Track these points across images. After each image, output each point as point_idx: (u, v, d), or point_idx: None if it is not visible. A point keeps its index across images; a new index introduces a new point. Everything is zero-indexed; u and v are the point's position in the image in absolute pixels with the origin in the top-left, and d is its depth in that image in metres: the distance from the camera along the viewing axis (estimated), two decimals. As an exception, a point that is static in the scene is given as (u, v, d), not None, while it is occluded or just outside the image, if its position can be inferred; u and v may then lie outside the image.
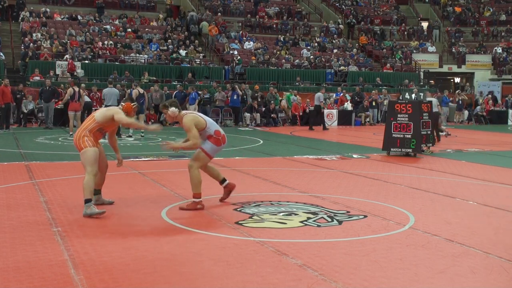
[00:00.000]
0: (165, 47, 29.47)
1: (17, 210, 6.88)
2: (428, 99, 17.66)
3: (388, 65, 33.05)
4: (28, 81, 24.14)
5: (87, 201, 6.57)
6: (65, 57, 25.87)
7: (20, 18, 29.79)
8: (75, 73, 25.22)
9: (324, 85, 27.44)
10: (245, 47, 31.95)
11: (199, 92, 23.86)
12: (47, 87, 20.77)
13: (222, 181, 7.57)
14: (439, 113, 17.83)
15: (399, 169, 11.18)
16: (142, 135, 17.65)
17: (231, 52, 30.71)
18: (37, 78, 22.95)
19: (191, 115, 7.22)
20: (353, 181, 9.55)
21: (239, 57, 29.72)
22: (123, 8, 33.88)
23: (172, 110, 7.05)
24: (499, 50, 37.03)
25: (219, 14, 34.49)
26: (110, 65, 26.50)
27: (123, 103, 7.19)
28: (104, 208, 6.83)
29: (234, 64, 29.18)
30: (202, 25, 32.67)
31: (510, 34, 38.86)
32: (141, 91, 17.75)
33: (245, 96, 24.59)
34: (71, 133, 17.48)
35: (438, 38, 39.59)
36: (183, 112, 7.23)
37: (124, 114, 7.00)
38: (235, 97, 24.12)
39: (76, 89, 17.66)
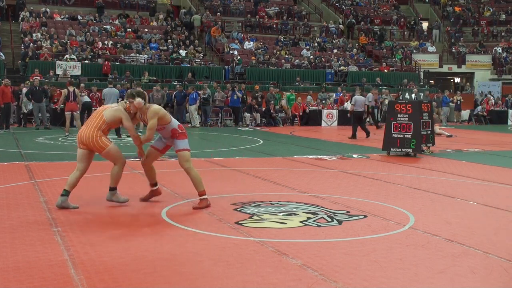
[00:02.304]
0: (165, 47, 29.47)
1: (17, 210, 6.88)
2: (356, 97, 18.29)
3: (384, 64, 32.98)
4: (28, 81, 24.12)
5: (113, 189, 7.23)
6: (71, 58, 25.87)
7: (20, 18, 29.78)
8: (109, 76, 25.30)
9: (374, 87, 27.68)
10: (245, 47, 31.95)
11: (199, 92, 23.87)
12: (37, 87, 20.73)
13: (154, 184, 7.63)
14: (362, 112, 18.52)
15: (399, 169, 11.18)
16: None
17: (231, 52, 30.71)
18: (37, 78, 22.94)
19: (157, 107, 7.35)
20: (353, 181, 9.55)
21: (239, 57, 29.73)
22: (123, 8, 33.89)
23: (138, 100, 7.14)
24: (499, 50, 37.03)
25: (219, 14, 34.49)
26: (110, 65, 26.47)
27: (127, 102, 7.26)
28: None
29: (234, 64, 29.18)
30: (194, 18, 32.78)
31: (510, 34, 38.85)
32: None
33: (244, 96, 24.61)
34: (66, 133, 17.48)
35: (438, 38, 39.59)
36: (149, 104, 7.32)
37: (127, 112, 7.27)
38: (235, 97, 24.12)
39: (71, 89, 17.67)
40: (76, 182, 7.09)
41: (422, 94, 14.83)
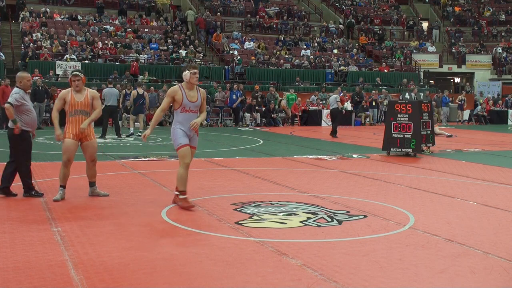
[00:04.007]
0: (165, 47, 29.48)
1: (17, 210, 6.88)
2: (332, 95, 18.92)
3: (384, 64, 32.98)
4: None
5: (61, 186, 7.59)
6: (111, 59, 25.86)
7: (20, 18, 29.79)
8: (139, 77, 25.34)
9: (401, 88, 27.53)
10: (245, 47, 31.95)
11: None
12: (39, 87, 20.74)
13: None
14: (338, 110, 19.08)
15: (399, 169, 11.18)
16: (139, 134, 17.69)
17: (231, 52, 30.72)
18: (37, 78, 22.96)
19: None
20: (353, 181, 9.55)
21: (239, 57, 29.73)
22: (122, 7, 33.86)
23: None
24: (499, 50, 37.03)
25: (219, 14, 34.49)
26: (110, 65, 26.50)
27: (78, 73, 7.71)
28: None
29: (234, 64, 29.19)
30: (187, 13, 32.89)
31: (510, 34, 38.84)
32: (141, 91, 17.85)
33: (243, 97, 24.63)
34: None
35: (438, 38, 39.58)
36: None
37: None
38: (234, 97, 24.13)
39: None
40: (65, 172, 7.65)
41: (422, 94, 14.83)
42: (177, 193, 7.15)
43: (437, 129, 18.72)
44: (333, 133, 18.71)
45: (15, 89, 7.72)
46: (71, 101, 7.53)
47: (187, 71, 7.13)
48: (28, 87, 7.83)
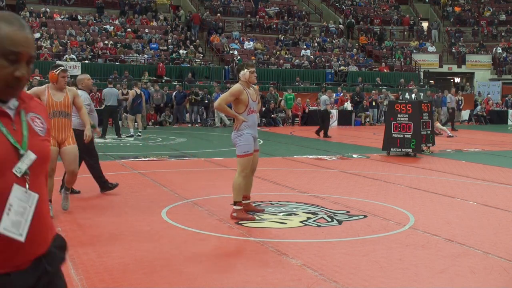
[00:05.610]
0: (165, 47, 29.48)
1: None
2: (323, 97, 19.12)
3: (383, 64, 32.97)
4: (28, 81, 24.11)
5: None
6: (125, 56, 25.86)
7: (20, 18, 29.78)
8: (164, 78, 25.37)
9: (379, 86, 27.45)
10: (245, 47, 31.95)
11: (200, 92, 23.84)
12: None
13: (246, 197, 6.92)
14: (327, 111, 19.28)
15: (399, 169, 11.18)
16: (139, 134, 17.68)
17: (231, 52, 30.72)
18: (37, 78, 22.95)
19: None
20: (353, 181, 9.55)
21: (239, 57, 29.73)
22: (123, 8, 33.85)
23: None
24: (499, 50, 37.03)
25: (219, 14, 34.49)
26: (110, 65, 26.49)
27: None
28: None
29: (234, 64, 29.17)
30: (181, 13, 32.97)
31: (510, 34, 38.83)
32: (139, 91, 17.79)
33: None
34: None
35: (438, 38, 39.59)
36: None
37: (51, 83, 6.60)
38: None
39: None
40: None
41: (422, 94, 14.83)
42: (238, 207, 6.56)
43: (439, 125, 18.79)
44: (324, 134, 18.72)
45: (78, 92, 7.24)
46: (49, 101, 6.47)
47: (245, 70, 6.64)
48: (90, 86, 7.48)
